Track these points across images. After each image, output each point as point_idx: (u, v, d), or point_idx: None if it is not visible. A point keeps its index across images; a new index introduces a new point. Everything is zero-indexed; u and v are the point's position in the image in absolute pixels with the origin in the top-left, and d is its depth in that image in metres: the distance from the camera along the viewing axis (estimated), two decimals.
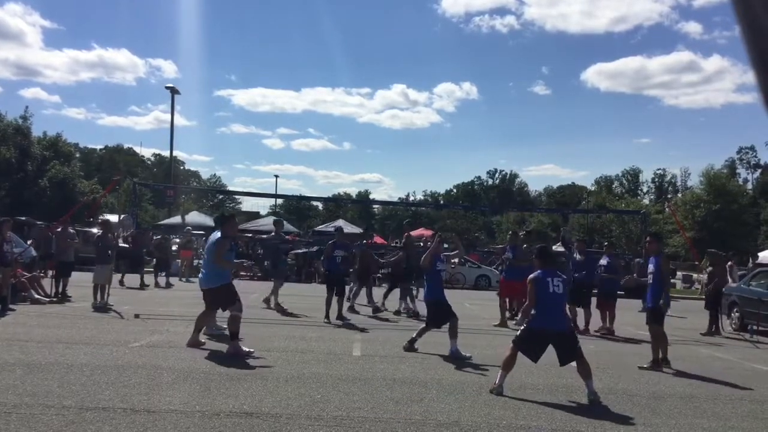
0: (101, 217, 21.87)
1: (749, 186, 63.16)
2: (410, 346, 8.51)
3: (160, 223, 30.68)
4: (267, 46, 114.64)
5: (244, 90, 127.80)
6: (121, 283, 16.50)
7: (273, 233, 13.90)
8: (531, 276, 6.68)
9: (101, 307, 11.62)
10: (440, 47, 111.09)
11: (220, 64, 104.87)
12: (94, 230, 20.55)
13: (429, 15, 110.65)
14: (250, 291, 13.79)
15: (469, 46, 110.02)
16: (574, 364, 8.27)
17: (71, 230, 14.73)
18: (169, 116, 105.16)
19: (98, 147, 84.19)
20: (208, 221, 26.46)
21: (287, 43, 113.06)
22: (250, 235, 23.73)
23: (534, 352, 6.42)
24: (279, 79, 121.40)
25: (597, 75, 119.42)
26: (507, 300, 12.73)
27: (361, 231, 14.79)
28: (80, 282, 13.76)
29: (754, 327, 12.46)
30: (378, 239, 26.73)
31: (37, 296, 12.56)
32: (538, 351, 6.39)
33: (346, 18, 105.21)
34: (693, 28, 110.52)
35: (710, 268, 14.51)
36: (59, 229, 14.24)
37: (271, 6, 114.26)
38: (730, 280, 14.46)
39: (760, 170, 68.21)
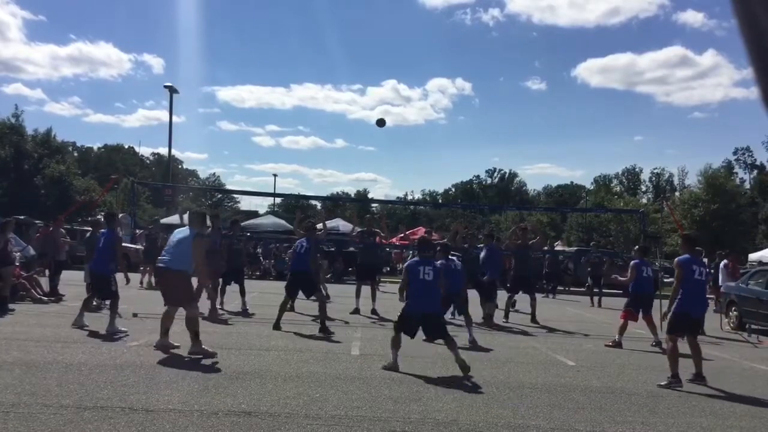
0: (97, 217, 21.86)
1: (746, 185, 63.27)
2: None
3: (162, 221, 30.63)
4: (255, 43, 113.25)
5: (231, 87, 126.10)
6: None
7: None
8: (406, 263, 7.78)
9: (95, 308, 11.60)
10: (427, 41, 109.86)
11: (207, 60, 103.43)
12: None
13: (409, 7, 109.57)
14: (249, 290, 13.73)
15: (455, 39, 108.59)
16: (571, 363, 8.36)
17: (62, 230, 14.91)
18: (157, 113, 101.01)
19: (95, 146, 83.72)
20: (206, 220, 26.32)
21: (275, 40, 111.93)
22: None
23: (410, 332, 7.27)
24: (267, 76, 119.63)
25: (591, 70, 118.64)
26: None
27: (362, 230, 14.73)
28: (77, 281, 13.75)
29: (753, 326, 12.50)
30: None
31: (38, 296, 12.61)
32: (412, 330, 7.26)
33: (331, 13, 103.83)
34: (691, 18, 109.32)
35: None
36: (51, 229, 14.44)
37: (258, 3, 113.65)
38: (720, 278, 15.13)
39: (756, 170, 68.45)
